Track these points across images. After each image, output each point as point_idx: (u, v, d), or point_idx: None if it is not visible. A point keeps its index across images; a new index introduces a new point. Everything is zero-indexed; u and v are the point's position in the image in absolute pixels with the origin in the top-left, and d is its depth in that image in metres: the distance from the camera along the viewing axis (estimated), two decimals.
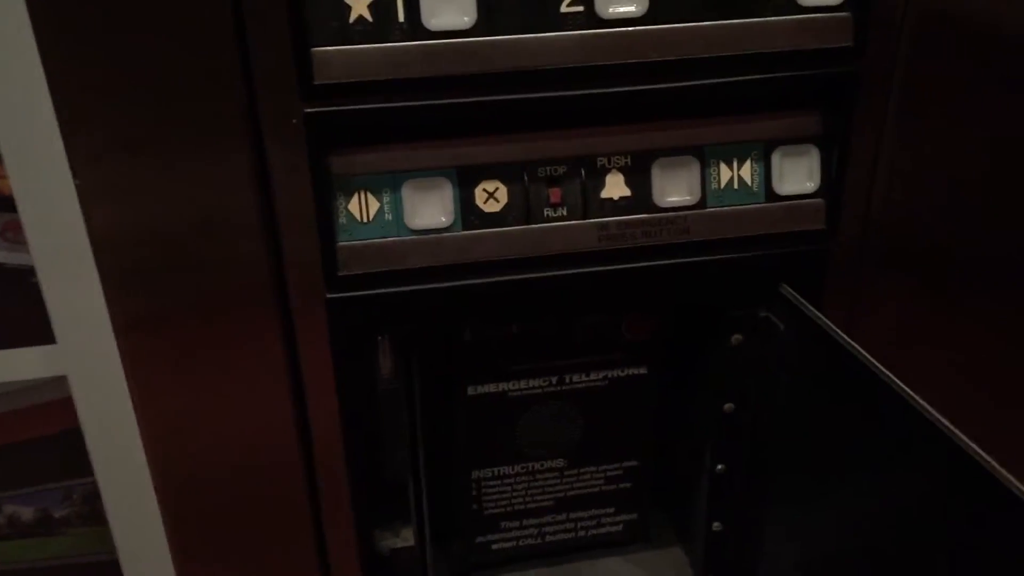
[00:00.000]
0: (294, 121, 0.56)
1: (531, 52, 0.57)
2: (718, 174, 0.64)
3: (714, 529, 0.81)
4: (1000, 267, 0.70)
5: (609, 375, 0.79)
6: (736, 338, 0.72)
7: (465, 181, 0.62)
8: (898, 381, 0.60)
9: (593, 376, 0.79)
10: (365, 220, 0.61)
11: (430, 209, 0.61)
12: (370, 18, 0.55)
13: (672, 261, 0.65)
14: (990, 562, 0.56)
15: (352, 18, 0.55)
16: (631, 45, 0.58)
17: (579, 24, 0.57)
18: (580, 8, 0.57)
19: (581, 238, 0.64)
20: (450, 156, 0.61)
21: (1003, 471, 0.54)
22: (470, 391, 0.77)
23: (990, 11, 0.62)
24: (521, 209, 0.62)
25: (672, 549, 0.89)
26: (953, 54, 0.62)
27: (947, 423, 0.57)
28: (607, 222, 0.64)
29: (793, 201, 0.65)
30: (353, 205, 0.61)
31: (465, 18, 0.56)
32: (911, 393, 0.59)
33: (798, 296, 0.67)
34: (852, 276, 0.68)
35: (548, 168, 0.62)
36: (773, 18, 0.59)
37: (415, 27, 0.56)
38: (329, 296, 0.61)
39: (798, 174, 0.65)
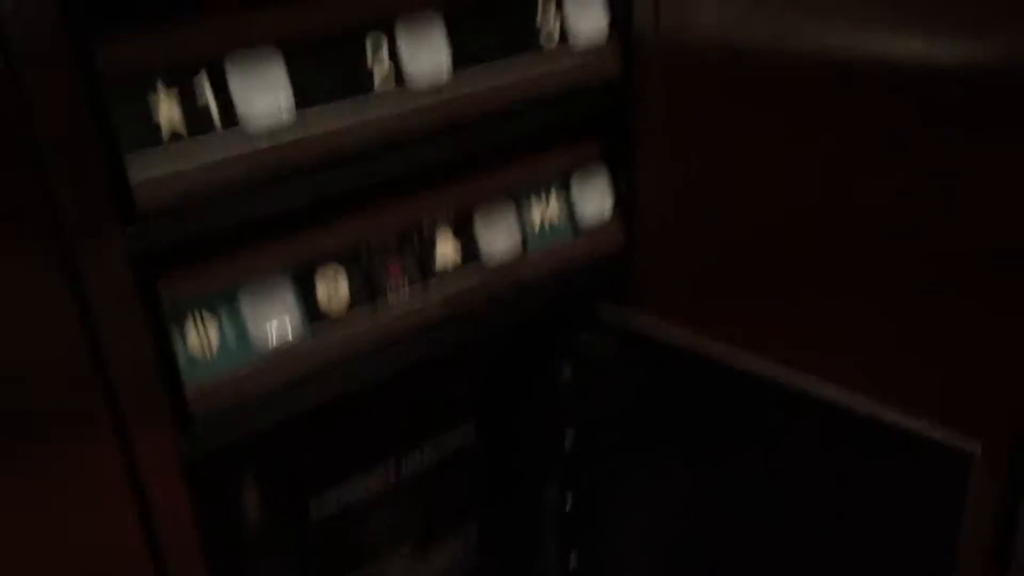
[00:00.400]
0: (118, 255, 0.48)
1: (352, 133, 0.54)
2: (531, 216, 0.65)
3: (571, 570, 0.81)
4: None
5: (443, 444, 0.76)
6: (567, 371, 0.73)
7: (303, 280, 0.57)
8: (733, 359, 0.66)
9: (428, 451, 0.76)
10: (207, 352, 0.54)
11: (274, 321, 0.56)
12: (184, 132, 0.49)
13: (506, 311, 0.65)
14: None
15: (166, 135, 0.48)
16: (439, 111, 0.57)
17: (390, 100, 0.55)
18: (391, 87, 0.55)
19: (426, 313, 0.61)
20: (286, 255, 0.56)
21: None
22: (313, 509, 0.70)
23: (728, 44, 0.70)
24: (365, 295, 0.59)
25: None
26: (699, 81, 0.69)
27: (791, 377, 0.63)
28: (447, 290, 0.62)
29: (595, 226, 0.68)
30: (192, 337, 0.53)
31: (284, 115, 0.52)
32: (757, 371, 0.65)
33: (621, 311, 0.70)
34: (652, 283, 0.73)
35: (383, 246, 0.59)
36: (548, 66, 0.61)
37: (233, 130, 0.51)
38: (180, 435, 0.53)
39: (595, 201, 0.68)
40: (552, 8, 0.61)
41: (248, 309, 0.55)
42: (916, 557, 0.61)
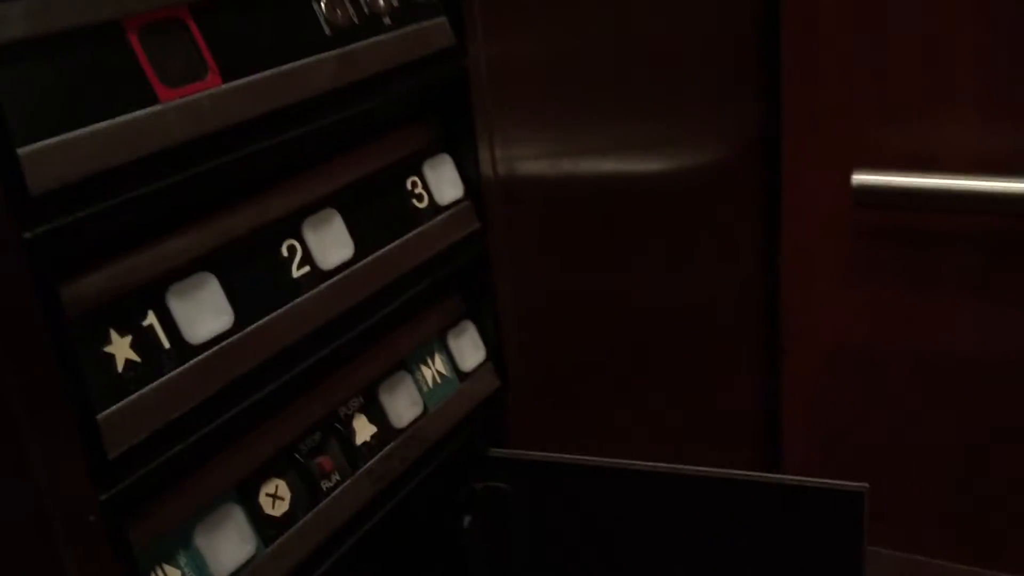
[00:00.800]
0: (91, 519, 0.43)
1: (285, 330, 0.53)
2: (423, 377, 0.67)
3: None
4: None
5: None
6: (467, 520, 0.74)
7: (247, 496, 0.54)
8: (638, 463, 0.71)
9: None
10: None
11: (231, 547, 0.52)
12: (138, 359, 0.45)
13: (415, 472, 0.65)
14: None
15: (120, 367, 0.45)
16: (349, 293, 0.58)
17: (311, 286, 0.55)
18: (308, 268, 0.55)
19: (360, 495, 0.60)
20: (233, 472, 0.53)
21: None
22: None
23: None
24: (305, 494, 0.57)
25: None
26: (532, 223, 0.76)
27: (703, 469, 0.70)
28: (372, 467, 0.61)
29: (474, 374, 0.71)
30: None
31: (224, 318, 0.50)
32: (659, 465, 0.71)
33: (513, 451, 0.73)
34: (526, 416, 0.77)
35: (309, 440, 0.58)
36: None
37: (182, 349, 0.48)
38: None
39: (470, 350, 0.71)
40: (420, 185, 0.64)
41: (204, 542, 0.51)
42: None
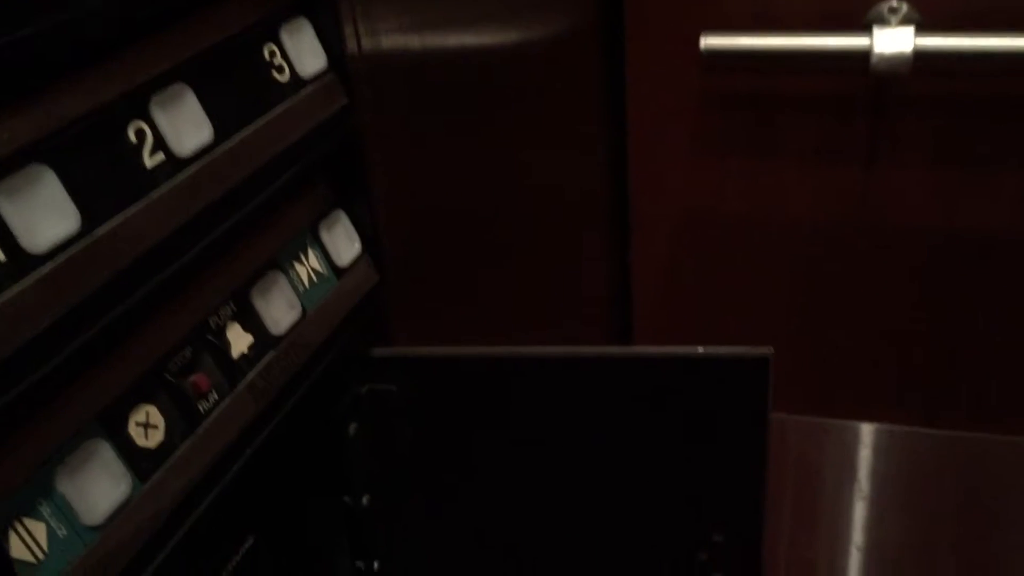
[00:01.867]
0: None
1: (138, 230, 0.44)
2: (298, 276, 0.59)
3: None
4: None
5: (231, 568, 0.66)
6: (353, 427, 0.68)
7: (114, 428, 0.45)
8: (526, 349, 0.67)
9: None
10: (39, 555, 0.41)
11: (101, 489, 0.44)
12: None
13: (299, 380, 0.59)
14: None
15: None
16: (210, 182, 0.49)
17: (168, 176, 0.46)
18: (161, 156, 0.46)
19: (242, 414, 0.53)
20: (89, 405, 0.44)
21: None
22: None
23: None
24: (180, 419, 0.49)
25: None
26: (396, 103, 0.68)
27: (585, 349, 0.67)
28: (253, 381, 0.54)
29: (351, 270, 0.64)
30: (16, 544, 0.40)
31: (69, 221, 0.40)
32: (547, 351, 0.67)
33: (397, 349, 0.67)
34: (406, 311, 0.71)
35: (179, 357, 0.50)
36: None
37: (20, 260, 0.39)
38: None
39: (345, 244, 0.64)
40: (278, 54, 0.55)
41: (68, 487, 0.43)
42: (728, 473, 0.68)
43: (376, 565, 0.73)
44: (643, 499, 0.70)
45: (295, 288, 0.59)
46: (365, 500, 0.71)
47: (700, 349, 0.65)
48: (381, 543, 0.73)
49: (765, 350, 0.64)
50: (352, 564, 0.74)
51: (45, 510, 0.42)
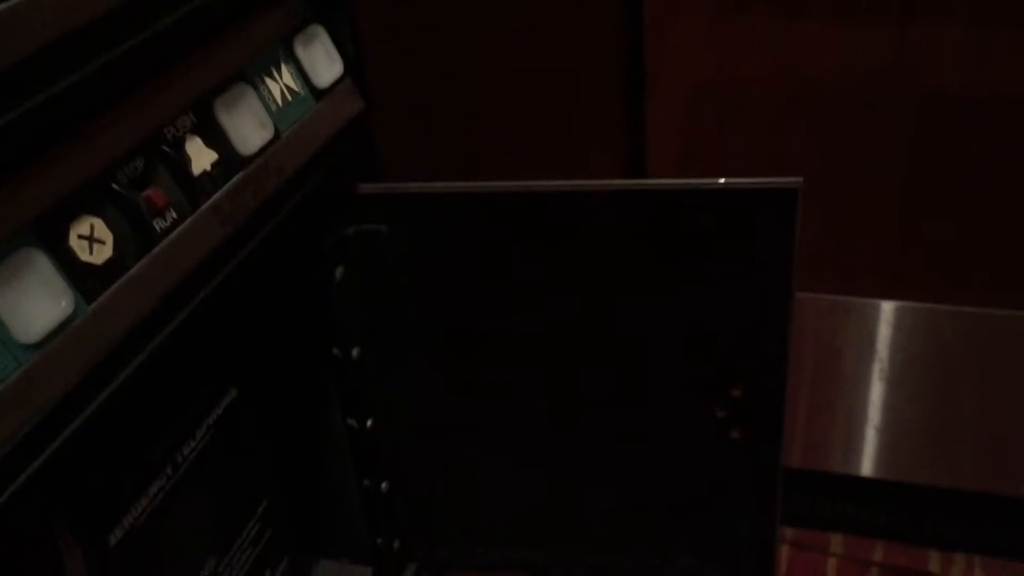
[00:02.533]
0: None
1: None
2: (269, 92, 0.53)
3: (383, 490, 0.72)
4: None
5: (213, 421, 0.62)
6: (339, 271, 0.62)
7: (52, 239, 0.40)
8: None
9: (200, 433, 0.61)
10: None
11: (38, 305, 0.39)
12: None
13: (274, 209, 0.53)
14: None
15: None
16: None
17: None
18: None
19: (206, 238, 0.47)
20: (22, 210, 0.38)
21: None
22: (111, 539, 0.53)
23: None
24: (132, 236, 0.43)
25: (345, 568, 0.77)
26: None
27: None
28: (218, 203, 0.48)
29: (332, 93, 0.57)
30: None
31: None
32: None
33: (386, 185, 0.61)
34: (394, 142, 0.64)
35: (130, 167, 0.44)
36: None
37: None
38: None
39: (324, 62, 0.57)
40: None
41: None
42: (750, 320, 0.63)
43: (369, 423, 0.69)
44: (657, 350, 0.65)
45: (266, 106, 0.52)
46: (355, 353, 0.66)
47: (722, 180, 0.58)
48: (374, 399, 0.69)
49: (794, 180, 0.58)
50: (343, 421, 0.69)
51: None
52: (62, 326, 0.39)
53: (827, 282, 1.45)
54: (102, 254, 0.42)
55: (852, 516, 1.65)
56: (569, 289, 0.63)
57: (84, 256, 0.41)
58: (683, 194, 0.58)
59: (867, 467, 1.59)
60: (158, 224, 0.45)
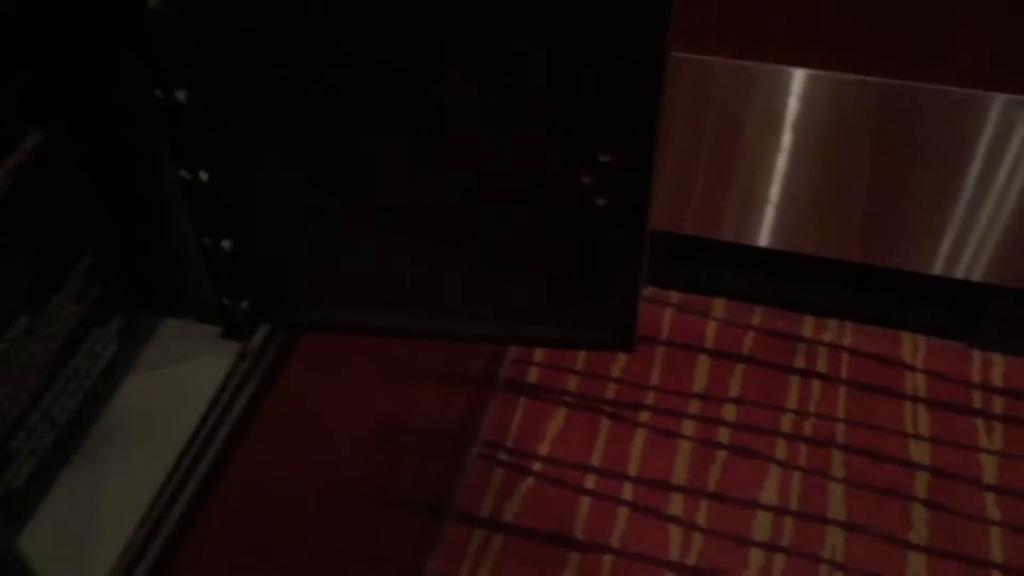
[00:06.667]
0: None
1: None
2: None
3: (225, 248, 0.67)
4: None
5: (13, 167, 0.55)
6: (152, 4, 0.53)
7: None
8: None
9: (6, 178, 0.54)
10: None
11: None
12: None
13: None
14: None
15: None
16: None
17: None
18: None
19: None
20: None
21: None
22: None
23: None
24: None
25: (191, 327, 0.72)
26: None
27: None
28: None
29: None
30: None
31: None
32: None
33: None
34: None
35: None
36: None
37: None
38: None
39: None
40: None
41: None
42: (620, 74, 0.56)
43: (204, 176, 0.62)
44: (517, 107, 0.58)
45: None
46: (182, 96, 0.58)
47: None
48: (208, 149, 0.62)
49: None
50: (175, 174, 0.62)
51: None
52: None
53: (736, 47, 1.39)
54: None
55: (735, 283, 1.68)
56: (424, 27, 0.55)
57: None
58: None
59: (758, 237, 1.59)
60: None
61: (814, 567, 1.31)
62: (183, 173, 0.62)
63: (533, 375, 1.55)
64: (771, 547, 1.33)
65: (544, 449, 1.46)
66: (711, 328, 1.60)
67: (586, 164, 0.59)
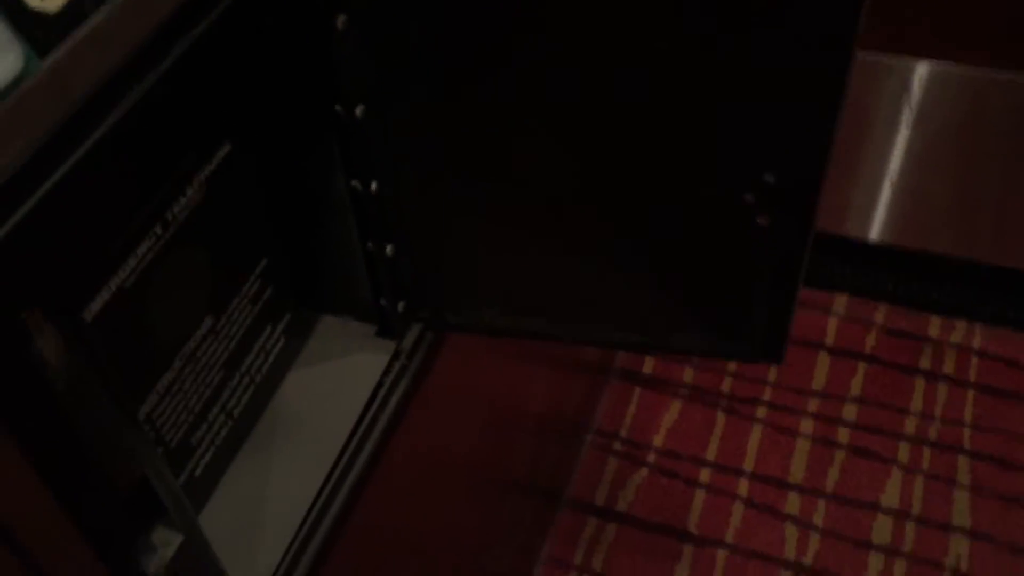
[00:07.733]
0: None
1: None
2: None
3: (387, 254, 0.69)
4: None
5: (206, 178, 0.58)
6: (341, 20, 0.56)
7: None
8: None
9: (191, 191, 0.57)
10: None
11: None
12: None
13: None
14: None
15: None
16: None
17: None
18: None
19: None
20: None
21: None
22: (86, 316, 0.51)
23: None
24: None
25: (348, 325, 0.75)
26: None
27: None
28: None
29: None
30: None
31: None
32: None
33: None
34: None
35: None
36: None
37: None
38: None
39: None
40: None
41: None
42: (792, 94, 0.56)
43: (374, 186, 0.65)
44: (689, 125, 0.59)
45: None
46: (359, 111, 0.60)
47: None
48: (379, 161, 0.64)
49: None
50: (347, 184, 0.65)
51: None
52: (12, 87, 0.34)
53: (869, 39, 1.35)
54: (55, 0, 0.36)
55: (856, 279, 1.65)
56: (602, 51, 0.56)
57: (34, 2, 0.35)
58: None
59: (883, 233, 1.56)
60: None
61: (936, 575, 1.29)
62: (354, 183, 0.64)
63: (648, 365, 1.55)
64: (891, 551, 1.32)
65: (659, 440, 1.47)
66: (832, 325, 1.58)
67: (750, 184, 0.60)
